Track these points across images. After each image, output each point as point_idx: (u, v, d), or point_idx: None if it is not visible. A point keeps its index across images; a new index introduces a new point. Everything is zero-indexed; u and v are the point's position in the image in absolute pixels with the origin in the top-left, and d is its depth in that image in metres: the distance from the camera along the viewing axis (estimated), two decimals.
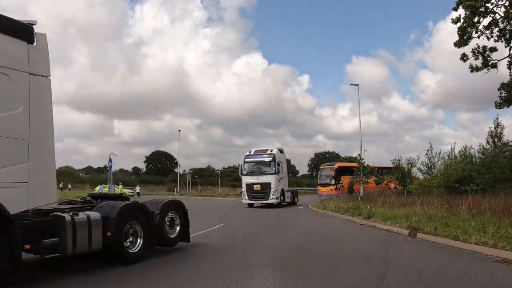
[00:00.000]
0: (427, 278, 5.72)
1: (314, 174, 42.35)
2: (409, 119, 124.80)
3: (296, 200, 27.03)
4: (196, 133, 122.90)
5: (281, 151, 25.36)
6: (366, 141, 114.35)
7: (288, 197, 25.25)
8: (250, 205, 23.92)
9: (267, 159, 23.85)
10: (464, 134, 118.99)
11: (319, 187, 38.04)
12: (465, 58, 19.92)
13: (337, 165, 38.77)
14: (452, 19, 19.88)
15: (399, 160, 26.28)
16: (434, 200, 14.25)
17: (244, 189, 24.18)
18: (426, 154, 23.25)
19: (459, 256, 7.50)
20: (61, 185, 50.40)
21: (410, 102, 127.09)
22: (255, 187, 23.28)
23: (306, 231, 12.75)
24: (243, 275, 6.09)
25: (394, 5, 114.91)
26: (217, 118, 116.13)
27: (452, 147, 22.81)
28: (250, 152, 25.13)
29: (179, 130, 59.78)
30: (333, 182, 36.12)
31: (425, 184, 21.81)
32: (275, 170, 23.27)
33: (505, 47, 19.38)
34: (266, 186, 22.98)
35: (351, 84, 68.50)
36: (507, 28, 18.78)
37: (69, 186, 53.50)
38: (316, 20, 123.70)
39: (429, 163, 23.21)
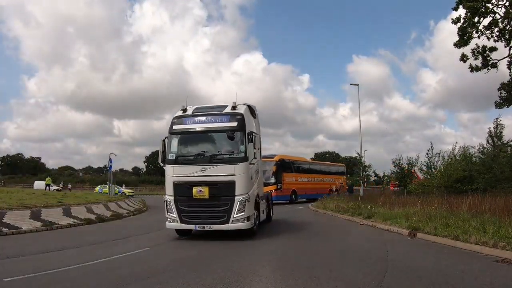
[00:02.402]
0: (427, 278, 5.72)
1: None
2: (410, 119, 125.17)
3: (271, 213, 15.19)
4: None
5: (252, 110, 11.81)
6: (366, 141, 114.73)
7: (263, 210, 12.69)
8: (182, 233, 10.79)
9: (226, 125, 10.35)
10: (465, 134, 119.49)
11: None
12: (465, 59, 19.96)
13: (277, 157, 28.20)
14: (452, 19, 19.93)
15: (399, 160, 26.28)
16: (434, 200, 14.25)
17: (169, 196, 10.35)
18: (427, 154, 23.38)
19: (459, 256, 7.50)
20: (61, 185, 50.43)
21: (410, 102, 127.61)
22: (196, 191, 9.88)
23: (306, 230, 12.73)
24: (243, 274, 6.10)
25: (395, 4, 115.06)
26: None
27: (454, 147, 22.97)
28: (185, 111, 11.08)
29: None
30: (273, 180, 26.66)
31: (425, 184, 21.88)
32: (245, 151, 10.14)
33: (505, 47, 19.42)
34: (223, 191, 9.93)
35: (351, 84, 68.92)
36: (507, 28, 18.80)
37: (69, 186, 53.47)
38: (317, 19, 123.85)
39: (429, 163, 23.31)
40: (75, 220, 14.24)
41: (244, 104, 11.28)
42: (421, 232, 9.99)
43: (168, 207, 10.34)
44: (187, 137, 10.76)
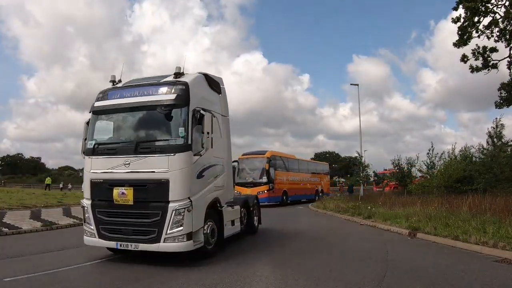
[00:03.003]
0: (427, 278, 5.72)
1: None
2: (410, 119, 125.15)
3: (257, 223, 11.55)
4: None
5: (212, 82, 8.44)
6: (366, 141, 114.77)
7: (234, 220, 9.33)
8: (112, 249, 7.95)
9: (161, 98, 7.18)
10: (465, 134, 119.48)
11: (238, 188, 21.86)
12: (465, 59, 19.97)
13: (268, 153, 24.84)
14: (452, 18, 19.94)
15: (398, 160, 26.32)
16: (434, 200, 14.26)
17: (87, 199, 7.46)
18: (427, 154, 23.43)
19: (459, 256, 7.51)
20: (61, 185, 50.43)
21: (411, 102, 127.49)
22: (117, 194, 6.99)
23: (306, 231, 12.73)
24: (243, 274, 6.10)
25: (395, 4, 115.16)
26: None
27: (453, 146, 23.01)
28: (115, 83, 8.24)
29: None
30: (265, 179, 23.54)
31: (425, 184, 21.90)
32: (187, 136, 6.94)
33: (505, 47, 19.42)
34: (153, 194, 6.92)
35: (351, 84, 68.79)
36: (507, 28, 18.81)
37: (69, 186, 53.41)
38: (317, 18, 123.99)
39: (429, 163, 23.34)
40: (75, 220, 14.23)
41: (198, 73, 8.12)
42: (421, 232, 9.99)
43: (85, 215, 7.46)
44: (111, 118, 7.95)
